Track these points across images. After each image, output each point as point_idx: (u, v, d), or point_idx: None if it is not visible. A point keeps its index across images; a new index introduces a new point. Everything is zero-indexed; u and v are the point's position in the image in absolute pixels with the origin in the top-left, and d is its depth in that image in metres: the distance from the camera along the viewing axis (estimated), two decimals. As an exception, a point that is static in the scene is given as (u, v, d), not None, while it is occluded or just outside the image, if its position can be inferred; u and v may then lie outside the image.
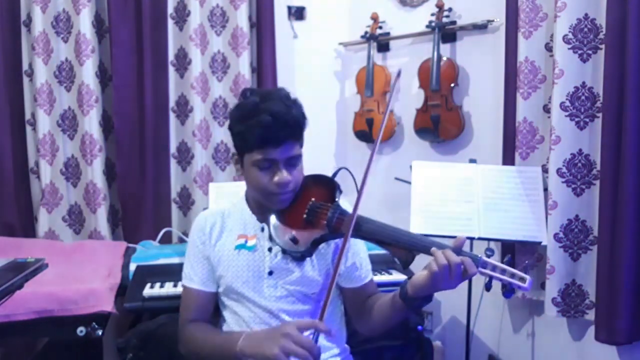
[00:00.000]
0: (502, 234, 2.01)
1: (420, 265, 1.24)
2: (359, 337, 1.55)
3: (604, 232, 1.86)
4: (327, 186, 1.37)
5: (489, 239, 2.04)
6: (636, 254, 1.79)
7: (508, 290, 1.18)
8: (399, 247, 1.25)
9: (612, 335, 1.84)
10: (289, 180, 1.28)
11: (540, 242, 1.98)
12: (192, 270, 1.42)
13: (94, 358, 2.13)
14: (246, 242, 1.38)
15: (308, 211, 1.33)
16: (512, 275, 1.13)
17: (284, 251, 1.33)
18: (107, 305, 1.73)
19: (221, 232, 1.42)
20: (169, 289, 1.84)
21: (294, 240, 1.30)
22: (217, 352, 1.31)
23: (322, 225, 1.30)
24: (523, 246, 2.13)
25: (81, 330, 1.72)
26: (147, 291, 1.82)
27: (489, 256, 1.17)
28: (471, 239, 2.01)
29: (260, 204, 1.38)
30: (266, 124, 1.22)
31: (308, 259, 1.35)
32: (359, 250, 1.44)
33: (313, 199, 1.34)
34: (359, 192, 1.28)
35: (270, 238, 1.34)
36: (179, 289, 1.82)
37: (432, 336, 2.65)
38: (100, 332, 1.72)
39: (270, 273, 1.36)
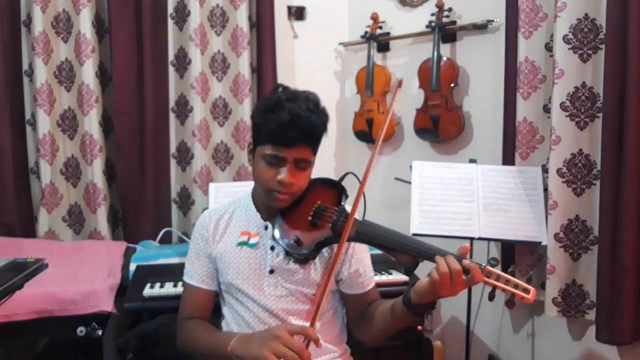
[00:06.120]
0: (502, 234, 2.01)
1: (424, 271, 1.22)
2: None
3: (604, 232, 1.86)
4: (333, 190, 1.38)
5: (489, 239, 2.04)
6: (637, 253, 1.79)
7: (510, 301, 1.16)
8: (402, 252, 1.23)
9: (613, 335, 1.84)
10: (290, 182, 1.28)
11: (540, 242, 1.98)
12: (193, 268, 1.43)
13: (94, 358, 2.13)
14: (249, 239, 1.39)
15: (313, 213, 1.33)
16: (516, 286, 1.09)
17: (287, 253, 1.33)
18: (107, 305, 1.72)
19: (226, 228, 1.42)
20: (169, 289, 1.84)
21: (298, 241, 1.30)
22: (210, 351, 1.32)
23: (327, 228, 1.30)
24: (523, 246, 2.13)
25: (81, 330, 1.72)
26: (147, 291, 1.82)
27: (493, 265, 1.13)
28: (471, 238, 2.01)
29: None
30: (283, 121, 1.23)
31: (311, 261, 1.35)
32: (363, 257, 1.43)
33: (319, 202, 1.35)
34: (357, 196, 1.27)
35: (274, 238, 1.34)
36: (179, 289, 1.82)
37: (432, 336, 2.65)
38: (100, 332, 1.72)
39: (272, 272, 1.36)
